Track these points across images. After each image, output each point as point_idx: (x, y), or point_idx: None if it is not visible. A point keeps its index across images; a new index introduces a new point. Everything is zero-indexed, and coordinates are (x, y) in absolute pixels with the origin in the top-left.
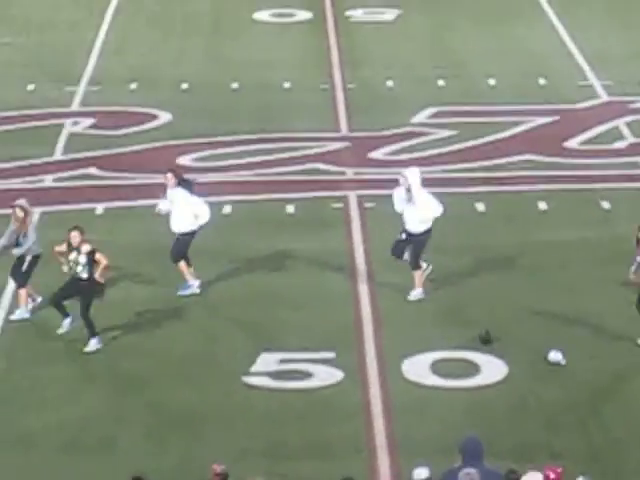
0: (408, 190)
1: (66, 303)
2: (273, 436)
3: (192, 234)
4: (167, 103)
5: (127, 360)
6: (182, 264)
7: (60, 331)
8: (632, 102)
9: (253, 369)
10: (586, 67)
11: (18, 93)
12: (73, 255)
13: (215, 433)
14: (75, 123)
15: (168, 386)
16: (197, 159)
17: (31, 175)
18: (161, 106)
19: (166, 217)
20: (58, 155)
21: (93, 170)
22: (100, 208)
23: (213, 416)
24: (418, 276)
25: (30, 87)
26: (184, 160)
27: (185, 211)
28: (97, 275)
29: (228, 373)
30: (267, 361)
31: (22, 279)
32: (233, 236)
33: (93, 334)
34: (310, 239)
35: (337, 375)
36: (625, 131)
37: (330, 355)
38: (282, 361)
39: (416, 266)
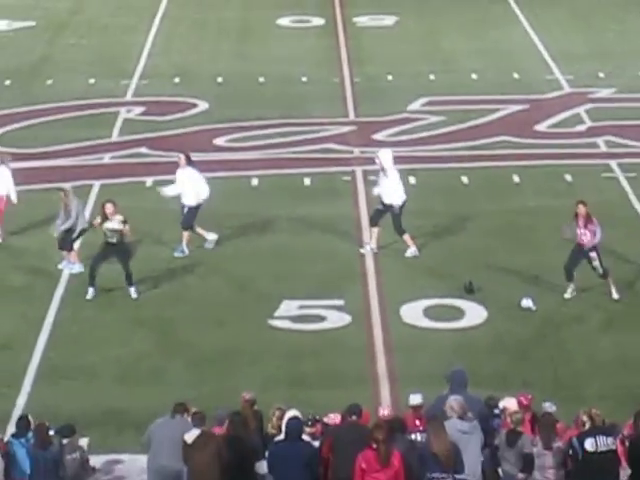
0: (382, 169)
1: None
2: (293, 369)
3: (197, 207)
4: (204, 94)
5: (169, 307)
6: (186, 233)
7: (87, 297)
8: (590, 93)
9: (276, 314)
10: (552, 64)
11: (81, 86)
12: (107, 224)
13: (245, 367)
14: (128, 111)
15: (205, 328)
16: (229, 140)
17: (92, 154)
18: (199, 96)
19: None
20: (114, 137)
21: (143, 149)
22: (149, 181)
23: (243, 353)
24: (407, 239)
25: (91, 81)
26: (219, 141)
27: (191, 187)
28: (127, 239)
29: (255, 317)
30: (288, 307)
31: (69, 245)
32: (260, 203)
33: (131, 284)
34: (323, 206)
35: (346, 319)
36: (585, 117)
37: (340, 302)
38: (300, 307)
39: (400, 232)
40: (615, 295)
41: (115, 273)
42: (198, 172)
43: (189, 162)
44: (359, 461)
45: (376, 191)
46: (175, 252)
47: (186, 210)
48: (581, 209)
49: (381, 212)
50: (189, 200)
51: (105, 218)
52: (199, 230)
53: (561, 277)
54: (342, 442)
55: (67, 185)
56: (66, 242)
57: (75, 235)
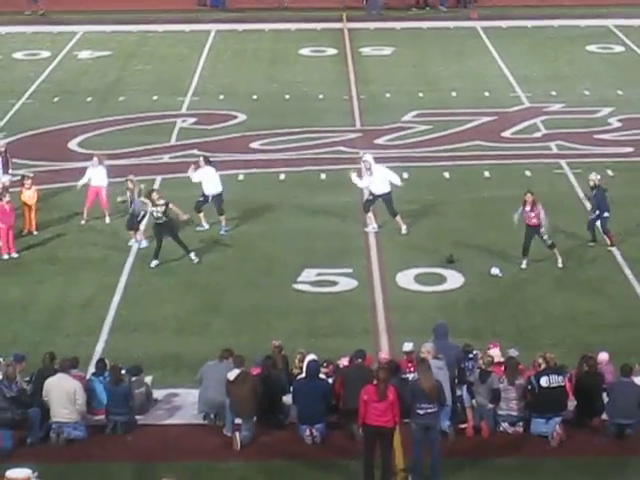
0: (368, 169)
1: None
2: (312, 323)
3: (213, 197)
4: (243, 108)
5: (215, 274)
6: (222, 216)
7: (152, 266)
8: (545, 107)
9: (299, 279)
10: (515, 84)
11: (147, 102)
12: (154, 208)
13: (274, 321)
14: (184, 121)
15: (242, 291)
16: (262, 144)
17: (155, 155)
18: (239, 110)
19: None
20: (173, 142)
21: (195, 151)
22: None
23: (273, 310)
24: (399, 219)
25: (154, 97)
26: (254, 145)
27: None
28: (179, 217)
29: (282, 282)
30: (309, 274)
31: (136, 225)
32: (285, 194)
33: (188, 252)
34: (336, 196)
35: (353, 283)
36: (540, 126)
37: (349, 270)
38: (318, 274)
39: (394, 214)
40: (560, 264)
41: (171, 247)
42: (215, 171)
43: (208, 162)
44: (362, 394)
45: (362, 184)
46: (220, 231)
47: (211, 199)
48: (529, 197)
49: (371, 201)
50: (209, 191)
51: (154, 204)
52: (202, 215)
53: (520, 250)
54: (350, 379)
55: (132, 176)
56: (133, 223)
57: (140, 217)
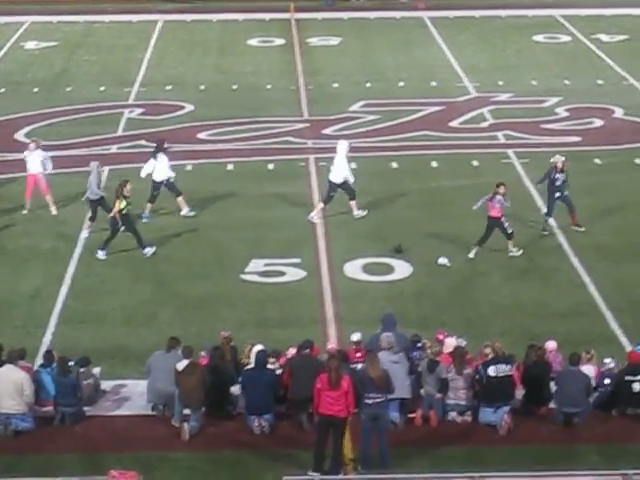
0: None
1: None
2: (260, 313)
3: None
4: (190, 98)
5: (163, 264)
6: (180, 197)
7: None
8: (492, 97)
9: (247, 270)
10: (462, 74)
11: (94, 92)
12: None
13: (222, 311)
14: (131, 111)
15: (191, 281)
16: (210, 134)
17: (102, 145)
18: (186, 100)
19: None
20: (120, 132)
21: (143, 142)
22: None
23: (221, 300)
24: (354, 204)
25: (102, 88)
26: (202, 135)
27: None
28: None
29: (231, 272)
30: (256, 264)
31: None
32: (234, 184)
33: (143, 246)
34: (284, 186)
35: (301, 273)
36: (488, 116)
37: (297, 260)
38: (266, 264)
39: (352, 197)
40: (516, 253)
41: (119, 239)
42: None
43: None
44: (317, 382)
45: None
46: (143, 219)
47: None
48: (502, 189)
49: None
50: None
51: (125, 196)
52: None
53: (469, 240)
54: (297, 370)
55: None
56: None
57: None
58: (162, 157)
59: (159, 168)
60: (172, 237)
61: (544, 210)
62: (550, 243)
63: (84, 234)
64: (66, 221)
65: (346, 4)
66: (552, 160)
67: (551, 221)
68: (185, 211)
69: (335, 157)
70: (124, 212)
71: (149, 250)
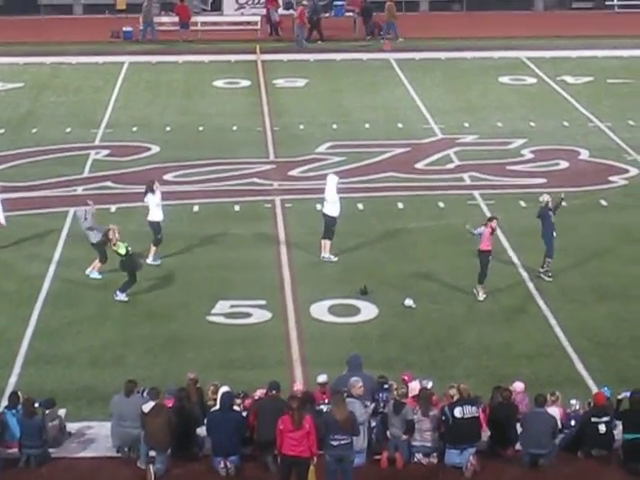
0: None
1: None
2: (226, 354)
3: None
4: (156, 140)
5: (128, 306)
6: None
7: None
8: (458, 139)
9: (213, 311)
10: (428, 116)
11: (60, 134)
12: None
13: (189, 353)
14: (97, 153)
15: (157, 322)
16: (176, 176)
17: (68, 187)
18: (152, 142)
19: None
20: (86, 174)
21: (109, 183)
22: (113, 208)
23: (187, 342)
24: (328, 244)
25: (68, 129)
26: (167, 176)
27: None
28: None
29: (197, 314)
30: (222, 306)
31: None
32: (200, 226)
33: (123, 290)
34: (250, 227)
35: (267, 315)
36: (454, 157)
37: (263, 302)
38: (232, 306)
39: (328, 237)
40: (480, 297)
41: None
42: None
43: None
44: (278, 424)
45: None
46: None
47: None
48: (494, 223)
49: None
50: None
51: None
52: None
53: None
54: (264, 411)
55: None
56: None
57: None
58: (150, 198)
59: (151, 209)
60: (139, 280)
61: (510, 252)
62: (516, 284)
63: (94, 274)
64: (31, 263)
65: (313, 46)
66: (541, 199)
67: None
68: (150, 259)
69: (327, 191)
70: (129, 254)
71: (122, 297)
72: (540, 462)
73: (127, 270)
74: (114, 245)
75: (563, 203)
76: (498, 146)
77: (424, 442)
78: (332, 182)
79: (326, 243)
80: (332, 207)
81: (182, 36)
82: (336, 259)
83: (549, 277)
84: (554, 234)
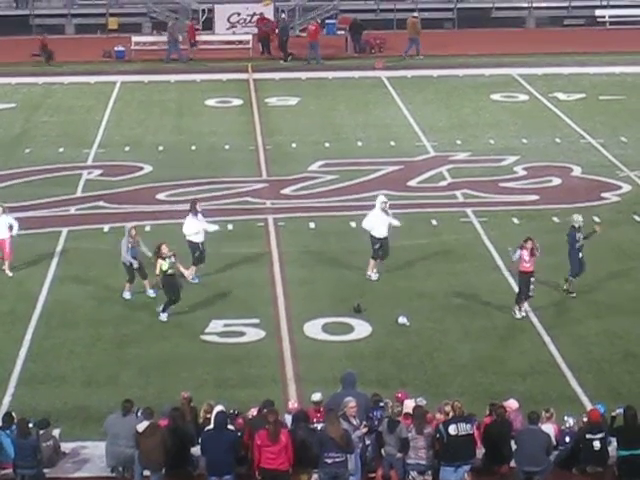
0: (384, 209)
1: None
2: (220, 374)
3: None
4: (149, 159)
5: (123, 326)
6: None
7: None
8: (450, 156)
9: (206, 330)
10: (420, 134)
11: (52, 154)
12: (163, 261)
13: (182, 372)
14: (89, 173)
15: (152, 342)
16: (169, 195)
17: (61, 207)
18: (145, 161)
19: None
20: (79, 193)
21: (102, 203)
22: (106, 227)
23: (181, 361)
24: (373, 264)
25: (60, 150)
26: (160, 196)
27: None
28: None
29: (191, 333)
30: (216, 325)
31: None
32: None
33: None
34: (243, 246)
35: (261, 334)
36: (446, 175)
37: (256, 321)
38: (225, 325)
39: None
40: (518, 315)
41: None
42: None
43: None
44: (256, 439)
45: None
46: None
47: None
48: (529, 244)
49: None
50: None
51: (162, 257)
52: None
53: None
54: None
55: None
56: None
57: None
58: (189, 219)
59: (192, 230)
60: (132, 299)
61: (503, 269)
62: (509, 302)
63: (127, 295)
64: (24, 283)
65: (306, 65)
66: (572, 220)
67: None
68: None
69: (373, 211)
70: (169, 272)
71: (163, 317)
72: (535, 479)
73: (165, 289)
74: (162, 259)
75: (596, 228)
76: (491, 163)
77: (419, 460)
78: (378, 201)
79: (371, 262)
80: (379, 228)
81: (196, 55)
82: (376, 276)
83: (572, 295)
84: (580, 254)
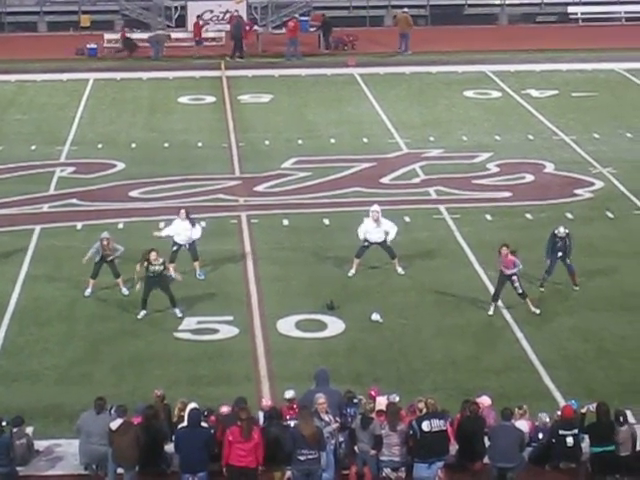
0: (376, 219)
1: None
2: (193, 371)
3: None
4: (122, 156)
5: (95, 323)
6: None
7: (140, 316)
8: (423, 153)
9: (180, 327)
10: (393, 130)
11: (25, 151)
12: (151, 267)
13: (155, 369)
14: (62, 170)
15: (125, 339)
16: (142, 193)
17: (34, 204)
18: (118, 158)
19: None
20: (51, 191)
21: (74, 200)
22: (79, 225)
23: (154, 358)
24: (396, 261)
25: (33, 147)
26: (133, 193)
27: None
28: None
29: (164, 330)
30: (189, 322)
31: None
32: (165, 242)
33: (175, 305)
34: (216, 243)
35: (234, 331)
36: (419, 171)
37: (230, 318)
38: (199, 322)
39: (393, 256)
40: (536, 311)
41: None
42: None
43: (188, 217)
44: (227, 435)
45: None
46: (200, 276)
47: (187, 247)
48: (504, 250)
49: (365, 247)
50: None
51: (150, 263)
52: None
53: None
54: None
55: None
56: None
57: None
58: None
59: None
60: (105, 296)
61: (476, 265)
62: (483, 298)
63: (124, 291)
64: None
65: (278, 62)
66: (556, 232)
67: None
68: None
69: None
70: (157, 274)
71: (178, 312)
72: (508, 475)
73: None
74: (150, 264)
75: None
76: (463, 160)
77: (392, 457)
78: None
79: (394, 262)
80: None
81: (197, 51)
82: (401, 271)
83: (541, 289)
84: (559, 254)
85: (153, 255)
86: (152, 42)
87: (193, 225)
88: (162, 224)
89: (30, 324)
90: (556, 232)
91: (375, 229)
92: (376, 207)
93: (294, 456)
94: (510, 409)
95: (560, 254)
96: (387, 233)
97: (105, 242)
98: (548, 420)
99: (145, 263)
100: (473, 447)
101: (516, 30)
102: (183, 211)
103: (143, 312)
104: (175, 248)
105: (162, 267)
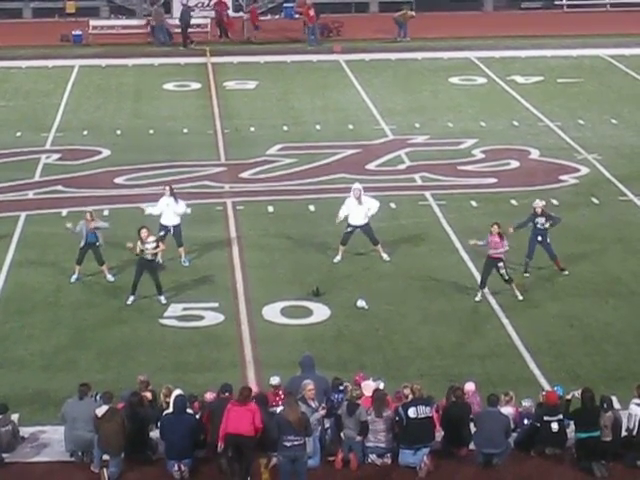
0: (358, 197)
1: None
2: (179, 357)
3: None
4: (107, 143)
5: (80, 310)
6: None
7: (129, 302)
8: (409, 139)
9: (165, 314)
10: (379, 117)
11: (10, 138)
12: (143, 246)
13: (141, 356)
14: (47, 157)
15: (110, 326)
16: (127, 179)
17: (19, 191)
18: (103, 145)
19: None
20: (37, 178)
21: (60, 187)
22: (64, 212)
23: (140, 345)
24: (380, 248)
25: (18, 134)
26: (118, 180)
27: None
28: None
29: (149, 317)
30: (175, 309)
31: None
32: (151, 228)
33: (160, 293)
34: (201, 230)
35: (220, 317)
36: (405, 158)
37: (215, 304)
38: (184, 309)
39: (375, 242)
40: (520, 296)
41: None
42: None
43: (172, 193)
44: (226, 411)
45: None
46: (185, 263)
47: (172, 231)
48: (495, 228)
49: (350, 233)
50: (169, 221)
51: (142, 241)
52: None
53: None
54: (217, 413)
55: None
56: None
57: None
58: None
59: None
60: (91, 283)
61: (463, 253)
62: (468, 284)
63: (110, 277)
64: None
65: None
66: (533, 205)
67: (531, 262)
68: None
69: (348, 200)
70: (147, 257)
71: (162, 299)
72: (494, 461)
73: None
74: (141, 243)
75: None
76: (449, 146)
77: (378, 443)
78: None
79: (377, 248)
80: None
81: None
82: (386, 258)
83: (526, 274)
84: (539, 238)
85: (144, 232)
86: (153, 25)
87: (176, 201)
88: (145, 204)
89: (16, 311)
90: (534, 205)
91: (357, 207)
92: (357, 185)
93: (280, 442)
94: (496, 395)
95: (540, 238)
96: (369, 210)
97: (89, 216)
98: (531, 405)
99: (139, 242)
100: (459, 433)
101: (501, 16)
102: (167, 187)
103: (132, 297)
104: (162, 233)
105: (155, 245)
